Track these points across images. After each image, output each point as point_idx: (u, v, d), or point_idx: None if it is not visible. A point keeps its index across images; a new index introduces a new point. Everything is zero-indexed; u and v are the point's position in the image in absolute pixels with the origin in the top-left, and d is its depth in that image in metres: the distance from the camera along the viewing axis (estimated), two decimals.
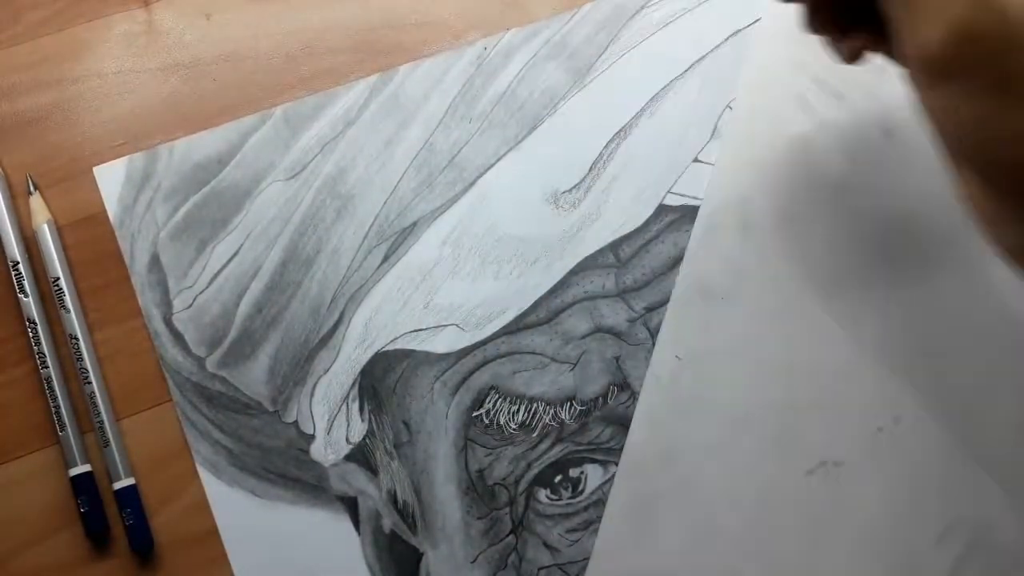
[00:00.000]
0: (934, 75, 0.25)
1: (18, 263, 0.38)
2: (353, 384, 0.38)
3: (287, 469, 0.38)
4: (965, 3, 0.23)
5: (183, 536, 0.37)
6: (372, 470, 0.38)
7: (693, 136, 0.41)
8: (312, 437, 0.38)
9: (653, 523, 0.38)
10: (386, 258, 0.40)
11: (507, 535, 0.38)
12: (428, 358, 0.39)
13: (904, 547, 0.38)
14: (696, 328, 0.39)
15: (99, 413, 0.37)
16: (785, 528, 0.38)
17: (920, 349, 0.39)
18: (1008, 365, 0.39)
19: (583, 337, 0.39)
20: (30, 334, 0.37)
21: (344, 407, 0.38)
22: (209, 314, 0.39)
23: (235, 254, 0.39)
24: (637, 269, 0.40)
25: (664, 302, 0.40)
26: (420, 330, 0.39)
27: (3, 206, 0.38)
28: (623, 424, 0.39)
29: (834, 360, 0.39)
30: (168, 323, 0.38)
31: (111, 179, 0.39)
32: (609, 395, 0.39)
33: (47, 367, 0.37)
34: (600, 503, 0.38)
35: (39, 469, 0.37)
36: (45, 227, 0.38)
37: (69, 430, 0.37)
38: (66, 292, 0.38)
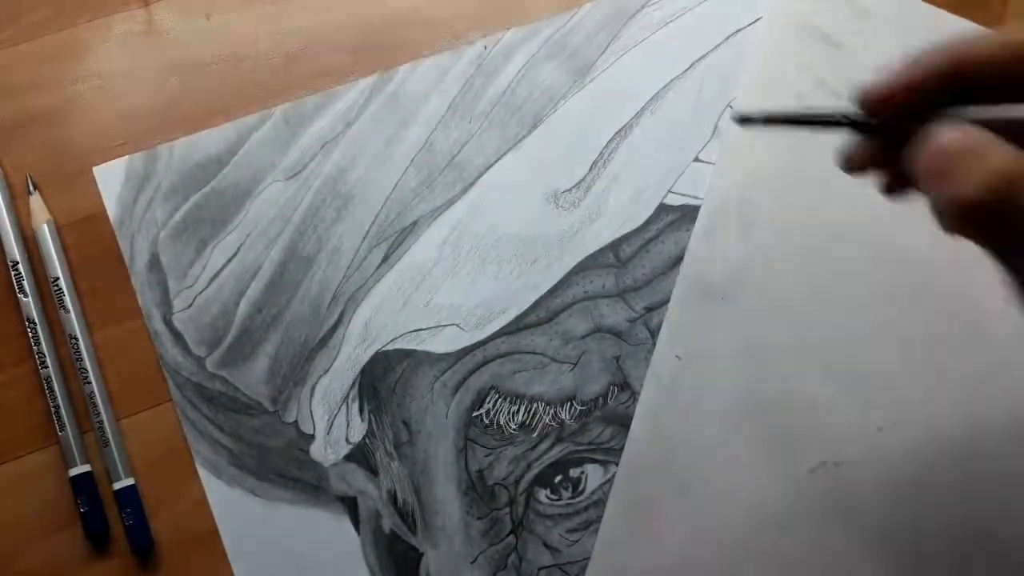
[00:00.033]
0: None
1: (18, 263, 0.38)
2: (353, 384, 0.38)
3: (287, 469, 0.38)
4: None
5: (183, 536, 0.37)
6: (372, 470, 0.38)
7: (693, 136, 0.41)
8: (312, 437, 0.38)
9: (653, 523, 0.38)
10: (386, 258, 0.40)
11: (507, 535, 0.38)
12: (428, 358, 0.39)
13: (904, 547, 0.38)
14: (696, 328, 0.39)
15: (99, 413, 0.37)
16: (785, 528, 0.38)
17: (920, 348, 0.39)
18: (1008, 364, 0.39)
19: (583, 337, 0.39)
20: (30, 334, 0.37)
21: (344, 407, 0.38)
22: (209, 314, 0.39)
23: (235, 254, 0.39)
24: (637, 269, 0.40)
25: (664, 302, 0.40)
26: (420, 330, 0.39)
27: (3, 206, 0.38)
28: (623, 424, 0.39)
29: (834, 360, 0.39)
30: (168, 323, 0.38)
31: (111, 179, 0.39)
32: (609, 395, 0.39)
33: (47, 367, 0.37)
34: (600, 503, 0.38)
35: (39, 469, 0.37)
36: (45, 227, 0.38)
37: (69, 430, 0.37)
38: (66, 292, 0.38)
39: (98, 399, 0.37)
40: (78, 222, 0.39)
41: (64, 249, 0.39)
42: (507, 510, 0.38)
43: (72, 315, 0.38)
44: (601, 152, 0.41)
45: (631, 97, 0.42)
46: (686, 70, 0.42)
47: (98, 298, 0.39)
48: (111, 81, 0.41)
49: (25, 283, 0.38)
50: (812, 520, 0.38)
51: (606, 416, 0.39)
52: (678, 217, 0.40)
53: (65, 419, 0.37)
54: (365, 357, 0.39)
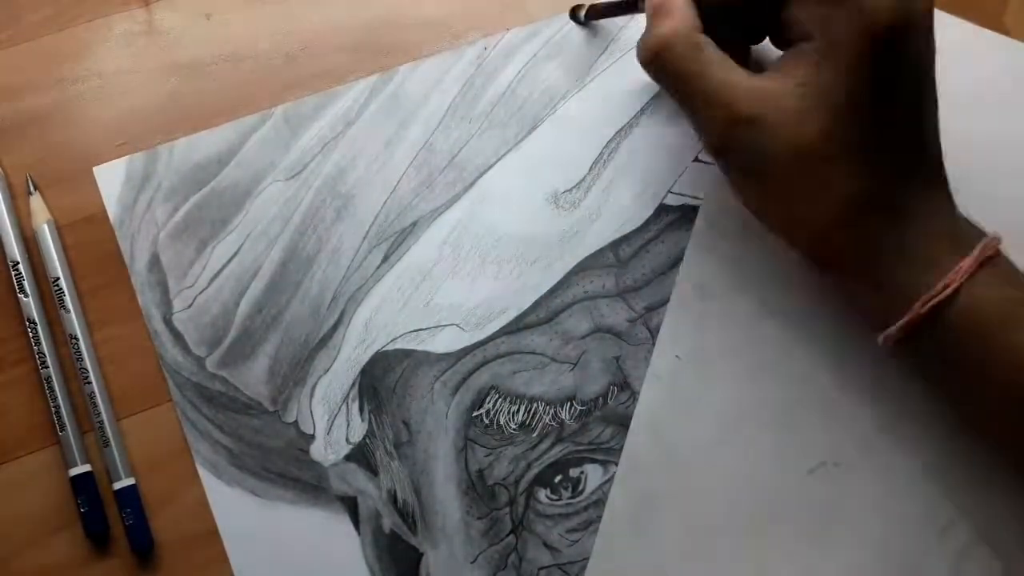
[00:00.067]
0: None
1: (18, 263, 0.38)
2: (353, 384, 0.38)
3: (287, 469, 0.38)
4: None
5: (183, 536, 0.37)
6: (372, 470, 0.38)
7: (693, 136, 0.41)
8: (312, 437, 0.38)
9: (653, 523, 0.38)
10: (386, 258, 0.40)
11: (507, 535, 0.38)
12: (428, 358, 0.39)
13: (904, 547, 0.38)
14: (696, 328, 0.39)
15: (99, 413, 0.37)
16: (785, 528, 0.38)
17: None
18: None
19: (583, 337, 0.39)
20: (30, 334, 0.37)
21: (344, 407, 0.38)
22: (209, 314, 0.39)
23: (235, 254, 0.39)
24: (637, 269, 0.40)
25: (664, 302, 0.40)
26: (420, 330, 0.39)
27: (3, 206, 0.38)
28: (623, 424, 0.39)
29: (834, 359, 0.39)
30: (168, 323, 0.38)
31: (111, 179, 0.39)
32: (609, 395, 0.39)
33: (47, 367, 0.37)
34: (600, 503, 0.38)
35: (39, 469, 0.37)
36: (45, 227, 0.38)
37: (69, 430, 0.37)
38: (66, 292, 0.38)
39: (98, 399, 0.37)
40: (78, 222, 0.39)
41: (64, 249, 0.39)
42: (507, 510, 0.38)
43: (72, 315, 0.38)
44: (601, 152, 0.41)
45: (631, 97, 0.42)
46: None
47: (98, 298, 0.39)
48: (111, 81, 0.41)
49: (25, 283, 0.38)
50: (812, 520, 0.38)
51: (606, 416, 0.39)
52: (678, 217, 0.40)
53: (65, 419, 0.37)
54: (365, 357, 0.39)
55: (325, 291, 0.39)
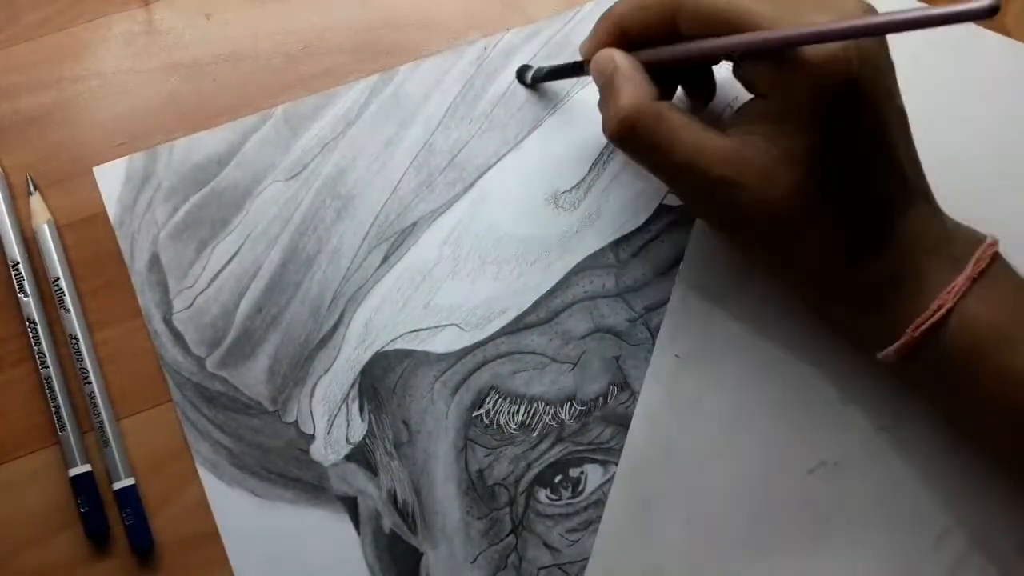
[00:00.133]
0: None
1: (18, 263, 0.38)
2: (353, 384, 0.38)
3: (287, 469, 0.38)
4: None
5: (183, 536, 0.37)
6: (372, 470, 0.38)
7: None
8: (312, 437, 0.38)
9: (653, 523, 0.38)
10: (386, 258, 0.40)
11: (507, 535, 0.38)
12: (428, 358, 0.39)
13: (903, 547, 0.38)
14: (696, 327, 0.39)
15: (99, 413, 0.37)
16: (785, 528, 0.38)
17: None
18: None
19: (583, 337, 0.39)
20: (30, 334, 0.37)
21: (344, 407, 0.38)
22: (209, 314, 0.39)
23: (235, 254, 0.39)
24: (637, 269, 0.40)
25: (664, 302, 0.40)
26: (420, 330, 0.39)
27: (3, 206, 0.38)
28: (623, 424, 0.39)
29: (834, 359, 0.39)
30: (168, 323, 0.38)
31: (111, 179, 0.39)
32: (609, 395, 0.39)
33: (47, 367, 0.37)
34: (600, 503, 0.38)
35: (39, 469, 0.37)
36: (45, 227, 0.38)
37: (69, 430, 0.37)
38: (66, 292, 0.38)
39: (98, 399, 0.37)
40: (78, 222, 0.39)
41: (64, 249, 0.39)
42: (507, 510, 0.38)
43: (72, 315, 0.38)
44: (601, 152, 0.41)
45: None
46: None
47: (98, 298, 0.39)
48: (111, 81, 0.41)
49: (25, 283, 0.38)
50: (812, 520, 0.38)
51: (606, 416, 0.39)
52: (678, 217, 0.40)
53: (65, 419, 0.37)
54: (365, 357, 0.39)
55: (325, 291, 0.39)
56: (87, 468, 0.37)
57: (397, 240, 0.40)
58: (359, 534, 0.37)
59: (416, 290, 0.39)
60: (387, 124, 0.41)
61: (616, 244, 0.40)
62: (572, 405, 0.39)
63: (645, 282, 0.40)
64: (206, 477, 0.37)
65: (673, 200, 0.41)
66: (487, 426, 0.38)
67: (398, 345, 0.39)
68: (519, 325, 0.39)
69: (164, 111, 0.40)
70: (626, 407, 0.39)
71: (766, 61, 0.32)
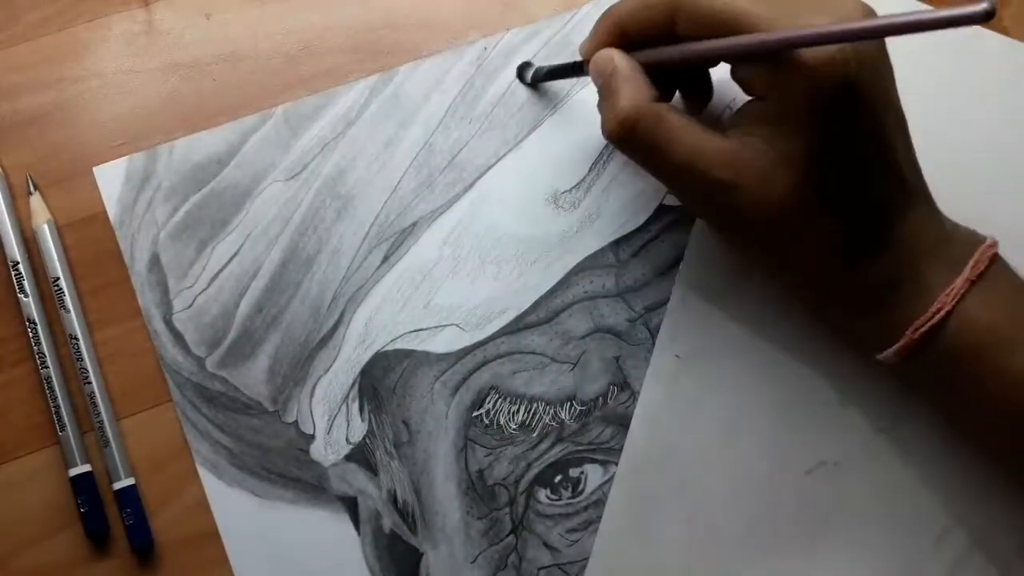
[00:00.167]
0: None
1: (18, 263, 0.38)
2: (353, 384, 0.38)
3: (287, 469, 0.38)
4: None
5: (183, 536, 0.37)
6: (372, 470, 0.38)
7: None
8: (312, 437, 0.38)
9: (653, 523, 0.38)
10: (386, 258, 0.40)
11: (507, 535, 0.38)
12: (428, 358, 0.39)
13: (903, 548, 0.38)
14: (696, 327, 0.39)
15: (99, 413, 0.37)
16: (785, 528, 0.38)
17: None
18: None
19: (583, 337, 0.39)
20: (30, 334, 0.37)
21: (344, 407, 0.38)
22: (209, 314, 0.39)
23: (235, 254, 0.39)
24: (637, 269, 0.40)
25: (664, 302, 0.40)
26: (420, 330, 0.39)
27: (3, 206, 0.38)
28: (623, 424, 0.39)
29: (834, 360, 0.39)
30: (168, 323, 0.38)
31: (111, 179, 0.39)
32: (609, 395, 0.39)
33: (47, 367, 0.37)
34: (600, 503, 0.38)
35: (39, 469, 0.37)
36: (45, 227, 0.38)
37: (69, 430, 0.37)
38: (66, 292, 0.38)
39: (98, 399, 0.37)
40: (78, 222, 0.39)
41: (64, 249, 0.39)
42: (507, 510, 0.38)
43: (72, 315, 0.38)
44: (601, 153, 0.41)
45: None
46: None
47: (98, 298, 0.39)
48: (111, 81, 0.41)
49: (25, 283, 0.38)
50: (811, 520, 0.38)
51: (606, 416, 0.39)
52: (678, 217, 0.40)
53: (65, 419, 0.37)
54: (365, 357, 0.39)
55: (325, 291, 0.39)
56: (87, 468, 0.37)
57: (397, 240, 0.40)
58: (359, 534, 0.37)
59: (416, 290, 0.39)
60: (387, 124, 0.41)
61: (616, 244, 0.40)
62: (572, 405, 0.39)
63: (645, 282, 0.40)
64: (206, 477, 0.37)
65: (673, 200, 0.41)
66: (487, 426, 0.38)
67: (398, 345, 0.39)
68: (519, 325, 0.39)
69: (164, 111, 0.40)
70: (626, 407, 0.39)
71: (764, 63, 0.32)
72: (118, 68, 0.41)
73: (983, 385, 0.33)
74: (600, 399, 0.39)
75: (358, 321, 0.39)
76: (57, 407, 0.37)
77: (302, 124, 0.40)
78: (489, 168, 0.41)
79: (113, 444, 0.37)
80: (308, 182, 0.40)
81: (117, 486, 0.37)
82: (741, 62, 0.33)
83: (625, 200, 0.41)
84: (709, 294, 0.40)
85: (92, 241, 0.39)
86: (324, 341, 0.39)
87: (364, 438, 0.38)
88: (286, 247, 0.39)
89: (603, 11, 0.37)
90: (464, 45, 0.42)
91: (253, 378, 0.38)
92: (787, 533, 0.38)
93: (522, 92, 0.41)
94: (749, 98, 0.34)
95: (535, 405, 0.39)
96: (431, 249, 0.40)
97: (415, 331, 0.39)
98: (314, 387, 0.38)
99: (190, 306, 0.39)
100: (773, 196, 0.32)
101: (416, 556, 0.37)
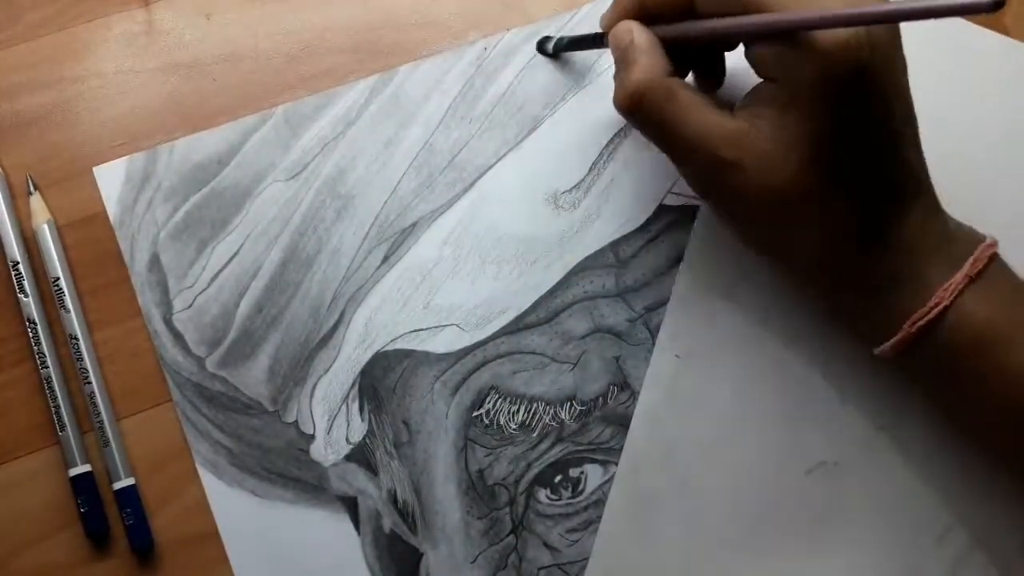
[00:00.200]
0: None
1: (18, 263, 0.38)
2: (353, 384, 0.38)
3: (287, 469, 0.38)
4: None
5: (183, 536, 0.37)
6: (372, 470, 0.38)
7: None
8: (312, 437, 0.38)
9: (653, 523, 0.38)
10: (386, 258, 0.40)
11: (507, 535, 0.38)
12: (428, 358, 0.39)
13: (904, 547, 0.38)
14: (696, 327, 0.39)
15: (99, 413, 0.37)
16: (784, 528, 0.38)
17: None
18: None
19: (583, 337, 0.39)
20: (30, 334, 0.37)
21: (344, 407, 0.38)
22: (209, 314, 0.39)
23: (235, 254, 0.39)
24: (637, 269, 0.40)
25: (664, 302, 0.40)
26: (420, 330, 0.39)
27: (3, 206, 0.38)
28: (623, 424, 0.39)
29: (834, 359, 0.39)
30: (168, 323, 0.38)
31: (111, 179, 0.39)
32: (609, 395, 0.39)
33: (47, 367, 0.37)
34: (600, 503, 0.38)
35: (39, 469, 0.37)
36: (45, 227, 0.38)
37: (69, 430, 0.37)
38: (66, 292, 0.38)
39: (98, 399, 0.37)
40: (78, 222, 0.39)
41: (64, 249, 0.39)
42: (507, 510, 0.38)
43: (72, 315, 0.38)
44: (601, 152, 0.41)
45: None
46: None
47: (98, 298, 0.39)
48: (111, 81, 0.41)
49: (25, 283, 0.38)
50: (812, 520, 0.38)
51: (606, 416, 0.39)
52: (678, 217, 0.40)
53: (65, 419, 0.37)
54: (365, 357, 0.39)
55: (325, 291, 0.39)
56: (87, 468, 0.37)
57: (397, 240, 0.40)
58: (359, 534, 0.37)
59: (416, 290, 0.39)
60: (387, 124, 0.41)
61: (616, 244, 0.40)
62: (572, 405, 0.39)
63: (645, 282, 0.40)
64: (206, 477, 0.37)
65: (673, 200, 0.41)
66: (487, 426, 0.38)
67: (398, 345, 0.39)
68: (519, 325, 0.39)
69: (164, 111, 0.40)
70: (626, 407, 0.39)
71: (777, 44, 0.32)
72: (118, 68, 0.41)
73: (980, 382, 0.33)
74: (600, 399, 0.39)
75: (358, 321, 0.39)
76: (57, 407, 0.37)
77: (302, 124, 0.40)
78: (489, 168, 0.41)
79: (113, 444, 0.37)
80: (308, 182, 0.40)
81: (117, 486, 0.37)
82: (755, 42, 0.33)
83: (625, 200, 0.41)
84: (709, 294, 0.40)
85: (92, 241, 0.39)
86: (324, 341, 0.39)
87: (364, 438, 0.38)
88: (286, 247, 0.39)
89: (602, 12, 0.37)
90: (464, 45, 0.42)
91: (253, 378, 0.38)
92: (787, 533, 0.38)
93: (522, 92, 0.41)
94: (760, 80, 0.34)
95: (535, 405, 0.39)
96: (431, 249, 0.40)
97: (415, 331, 0.39)
98: (314, 387, 0.38)
99: (190, 306, 0.39)
100: (777, 179, 0.32)
101: (416, 556, 0.37)
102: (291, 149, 0.40)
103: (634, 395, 0.39)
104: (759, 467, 0.38)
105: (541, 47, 0.41)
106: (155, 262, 0.39)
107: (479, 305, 0.39)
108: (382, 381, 0.39)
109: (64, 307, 0.38)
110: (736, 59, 0.36)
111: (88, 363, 0.37)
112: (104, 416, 0.37)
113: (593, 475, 0.38)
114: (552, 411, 0.39)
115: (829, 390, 0.39)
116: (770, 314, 0.39)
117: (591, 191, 0.41)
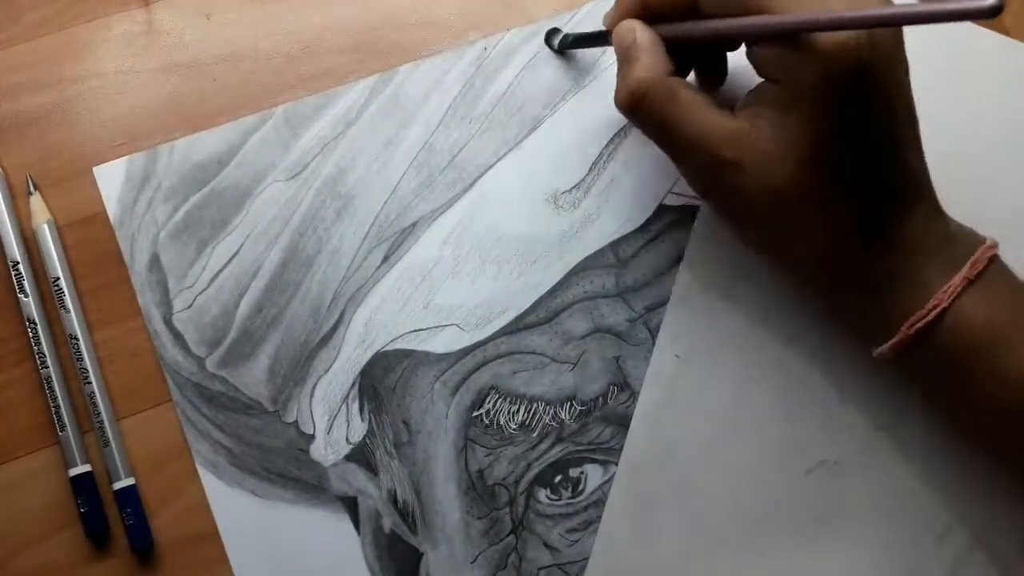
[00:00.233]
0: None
1: (18, 263, 0.38)
2: (353, 384, 0.38)
3: (287, 469, 0.38)
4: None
5: (183, 536, 0.37)
6: (372, 470, 0.38)
7: None
8: (312, 437, 0.38)
9: (653, 523, 0.38)
10: (386, 258, 0.40)
11: (507, 535, 0.38)
12: (428, 358, 0.39)
13: (904, 547, 0.38)
14: (696, 327, 0.39)
15: (99, 413, 0.37)
16: (784, 527, 0.38)
17: None
18: None
19: (583, 337, 0.39)
20: (30, 334, 0.37)
21: (344, 407, 0.38)
22: (209, 314, 0.39)
23: (235, 254, 0.39)
24: (637, 269, 0.40)
25: (664, 302, 0.40)
26: (420, 330, 0.39)
27: (3, 206, 0.38)
28: (623, 424, 0.39)
29: (834, 359, 0.39)
30: (168, 323, 0.38)
31: (111, 179, 0.39)
32: (609, 395, 0.39)
33: (47, 367, 0.37)
34: (600, 503, 0.38)
35: (39, 469, 0.37)
36: (45, 227, 0.38)
37: (69, 430, 0.37)
38: (66, 292, 0.38)
39: (98, 399, 0.37)
40: (78, 222, 0.39)
41: (64, 249, 0.39)
42: (507, 510, 0.38)
43: (72, 315, 0.38)
44: (601, 152, 0.41)
45: None
46: None
47: (98, 298, 0.39)
48: (111, 81, 0.41)
49: (25, 283, 0.38)
50: (812, 519, 0.38)
51: (606, 416, 0.39)
52: (678, 217, 0.40)
53: (65, 419, 0.37)
54: (365, 357, 0.39)
55: (325, 291, 0.39)
56: (87, 468, 0.37)
57: (397, 240, 0.40)
58: (359, 534, 0.37)
59: (416, 290, 0.39)
60: (387, 124, 0.41)
61: (616, 244, 0.40)
62: (572, 405, 0.39)
63: (645, 282, 0.40)
64: (206, 477, 0.37)
65: (673, 200, 0.41)
66: (487, 426, 0.38)
67: (398, 345, 0.39)
68: (519, 325, 0.39)
69: (164, 111, 0.40)
70: (626, 407, 0.39)
71: (778, 45, 0.32)
72: (118, 68, 0.41)
73: (979, 384, 0.33)
74: (600, 399, 0.39)
75: (358, 321, 0.39)
76: (57, 407, 0.37)
77: (302, 124, 0.40)
78: (489, 168, 0.41)
79: (113, 444, 0.37)
80: (308, 182, 0.40)
81: (117, 486, 0.37)
82: (758, 42, 0.33)
83: (625, 200, 0.41)
84: (709, 294, 0.40)
85: (92, 241, 0.39)
86: (324, 341, 0.39)
87: (364, 438, 0.38)
88: (286, 247, 0.39)
89: (603, 12, 0.37)
90: (464, 45, 0.42)
91: (253, 378, 0.38)
92: (787, 533, 0.38)
93: (522, 92, 0.41)
94: (761, 80, 0.34)
95: (535, 405, 0.39)
96: (431, 249, 0.40)
97: (415, 331, 0.39)
98: (314, 387, 0.38)
99: (190, 306, 0.39)
100: (777, 179, 0.32)
101: (416, 556, 0.37)
102: (291, 149, 0.40)
103: (634, 395, 0.39)
104: (759, 467, 0.38)
105: (548, 39, 0.42)
106: (155, 262, 0.39)
107: (479, 305, 0.39)
108: (382, 381, 0.39)
109: (64, 307, 0.38)
110: (738, 59, 0.36)
111: (88, 363, 0.37)
112: (104, 416, 0.37)
113: (593, 475, 0.38)
114: (552, 411, 0.39)
115: (829, 390, 0.39)
116: (770, 314, 0.39)
117: (591, 191, 0.41)
